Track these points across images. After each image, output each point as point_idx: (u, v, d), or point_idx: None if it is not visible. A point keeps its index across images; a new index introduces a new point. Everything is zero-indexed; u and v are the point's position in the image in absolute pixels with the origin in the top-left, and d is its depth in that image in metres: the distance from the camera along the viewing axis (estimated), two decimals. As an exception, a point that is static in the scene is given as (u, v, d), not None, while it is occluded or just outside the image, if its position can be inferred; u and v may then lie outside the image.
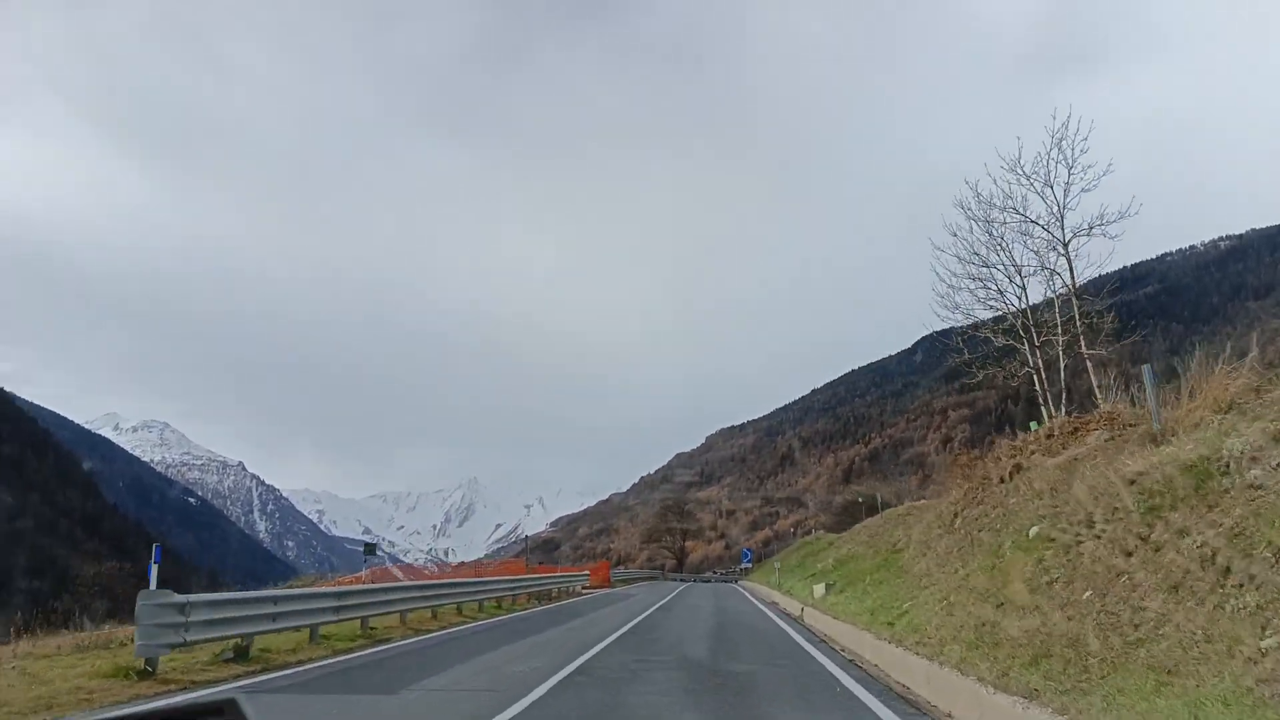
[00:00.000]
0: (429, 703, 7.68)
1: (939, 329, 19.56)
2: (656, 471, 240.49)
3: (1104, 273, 18.16)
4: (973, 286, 18.59)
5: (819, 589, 20.69)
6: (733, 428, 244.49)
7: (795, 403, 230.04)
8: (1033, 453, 15.05)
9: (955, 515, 15.36)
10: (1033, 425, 17.40)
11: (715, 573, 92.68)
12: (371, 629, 14.02)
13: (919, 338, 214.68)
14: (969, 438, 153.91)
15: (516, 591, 23.70)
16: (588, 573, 40.84)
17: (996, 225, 18.22)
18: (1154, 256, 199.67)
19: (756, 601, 28.39)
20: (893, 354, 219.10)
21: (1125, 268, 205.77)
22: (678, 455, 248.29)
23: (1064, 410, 17.01)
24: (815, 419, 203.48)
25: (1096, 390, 16.68)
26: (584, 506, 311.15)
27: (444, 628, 15.62)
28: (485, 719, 6.66)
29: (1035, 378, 17.86)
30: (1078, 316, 17.15)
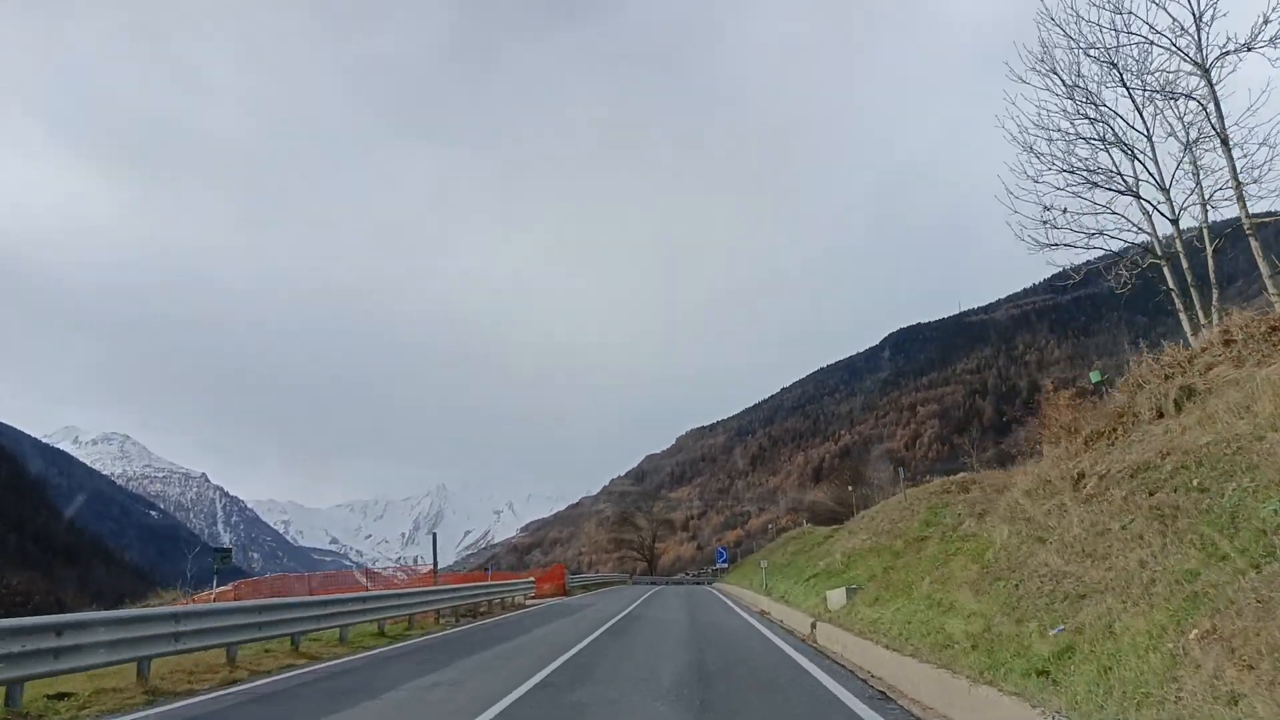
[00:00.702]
0: None
1: (1018, 202, 13.24)
2: (627, 474, 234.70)
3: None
4: (1069, 134, 12.46)
5: (836, 596, 14.73)
6: (703, 428, 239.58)
7: (765, 402, 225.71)
8: (1209, 369, 9.19)
9: (1080, 477, 9.30)
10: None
11: (688, 574, 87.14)
12: (62, 698, 7.59)
13: (886, 334, 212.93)
14: (939, 433, 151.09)
15: (403, 611, 17.18)
16: (532, 580, 33.77)
17: (1104, 50, 12.15)
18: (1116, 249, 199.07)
19: (742, 611, 22.45)
20: (861, 351, 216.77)
21: (1088, 262, 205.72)
22: (648, 457, 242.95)
23: (1215, 312, 11.08)
24: (785, 418, 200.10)
25: (1267, 283, 10.83)
26: (554, 511, 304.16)
27: (226, 683, 9.15)
28: None
29: (1168, 268, 11.82)
30: (1233, 168, 11.12)
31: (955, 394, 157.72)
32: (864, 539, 20.10)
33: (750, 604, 25.92)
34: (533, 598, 33.51)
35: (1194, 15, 11.50)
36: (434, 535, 23.43)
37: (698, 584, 62.13)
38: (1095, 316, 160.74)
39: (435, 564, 22.45)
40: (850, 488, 40.88)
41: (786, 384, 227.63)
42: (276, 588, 20.72)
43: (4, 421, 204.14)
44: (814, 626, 13.68)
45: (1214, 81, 11.45)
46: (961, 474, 20.11)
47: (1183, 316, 11.66)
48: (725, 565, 60.01)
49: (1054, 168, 12.21)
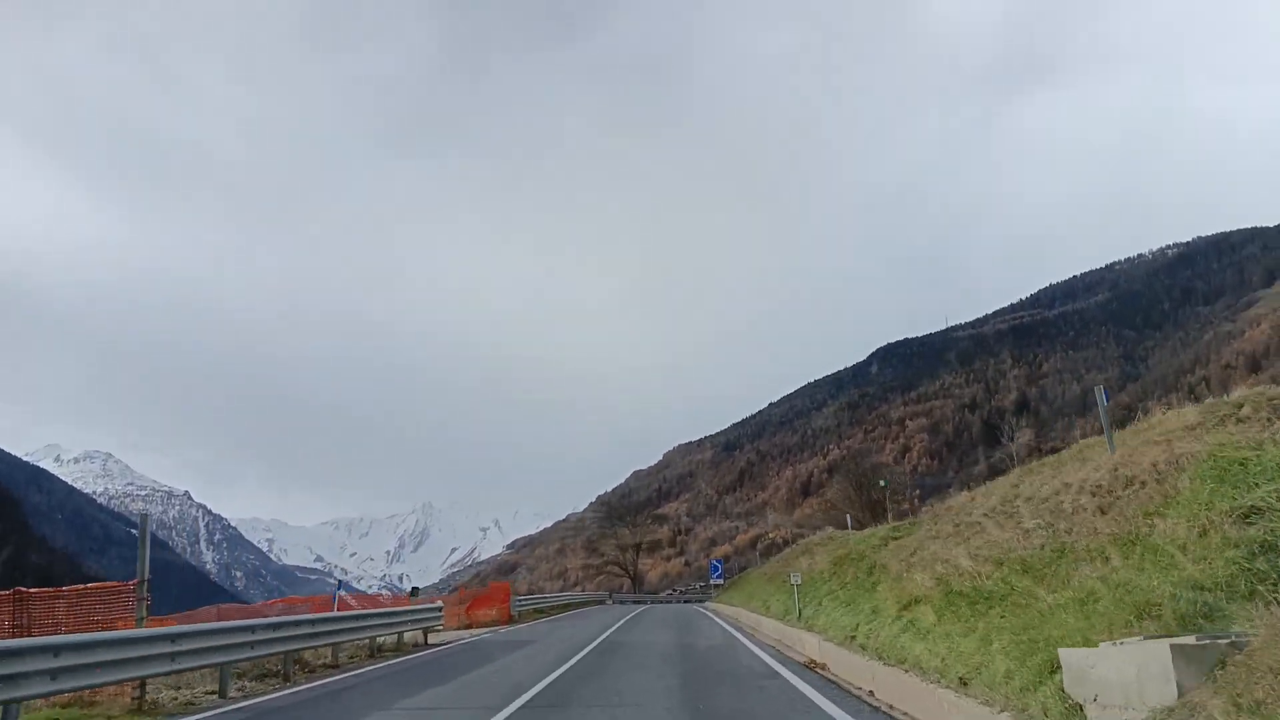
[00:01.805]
0: None
1: None
2: (614, 490, 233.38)
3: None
4: None
5: (1131, 661, 4.74)
6: (690, 443, 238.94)
7: (752, 417, 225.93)
8: None
9: None
10: None
11: (674, 591, 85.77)
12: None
13: (874, 349, 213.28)
14: (928, 448, 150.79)
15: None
16: (439, 606, 22.80)
17: None
18: (1103, 265, 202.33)
19: (768, 656, 14.26)
20: (848, 366, 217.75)
21: (1075, 277, 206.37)
22: (635, 473, 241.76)
23: None
24: (773, 432, 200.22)
25: None
26: (541, 528, 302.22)
27: None
28: None
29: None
30: None
31: (944, 408, 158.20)
32: (1025, 527, 9.57)
33: (774, 639, 18.22)
34: (466, 626, 27.30)
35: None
36: (143, 517, 12.09)
37: (686, 603, 60.40)
38: (1083, 330, 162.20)
39: (143, 579, 11.26)
40: (883, 483, 40.13)
41: (774, 399, 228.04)
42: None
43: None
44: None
45: None
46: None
47: None
48: (720, 581, 57.15)
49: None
